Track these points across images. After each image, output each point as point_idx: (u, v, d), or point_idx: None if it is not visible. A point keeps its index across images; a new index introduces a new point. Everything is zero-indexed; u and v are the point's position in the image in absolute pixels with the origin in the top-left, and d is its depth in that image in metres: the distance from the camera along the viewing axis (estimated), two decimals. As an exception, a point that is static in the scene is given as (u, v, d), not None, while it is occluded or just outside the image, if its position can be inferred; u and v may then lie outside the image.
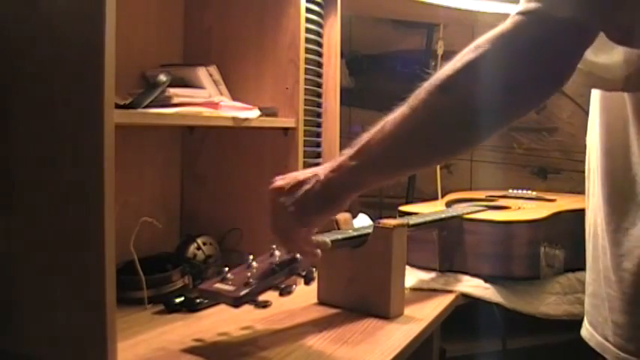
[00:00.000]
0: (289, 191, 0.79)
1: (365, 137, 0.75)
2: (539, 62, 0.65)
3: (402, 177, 0.79)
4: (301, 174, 0.80)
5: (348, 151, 0.76)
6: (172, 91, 0.95)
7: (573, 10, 0.62)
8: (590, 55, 0.71)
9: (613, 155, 0.76)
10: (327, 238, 0.94)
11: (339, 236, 0.97)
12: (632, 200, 0.73)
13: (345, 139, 1.68)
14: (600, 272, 0.78)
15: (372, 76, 1.97)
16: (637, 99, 0.71)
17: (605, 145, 0.78)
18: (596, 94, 0.80)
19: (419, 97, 0.70)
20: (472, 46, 0.67)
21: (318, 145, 1.28)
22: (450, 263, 1.21)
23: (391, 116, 0.72)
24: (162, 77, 0.91)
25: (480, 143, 0.74)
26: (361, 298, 0.99)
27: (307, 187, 0.78)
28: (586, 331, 0.83)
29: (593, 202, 0.81)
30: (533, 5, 0.63)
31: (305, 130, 1.18)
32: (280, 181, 0.81)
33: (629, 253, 0.72)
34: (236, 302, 0.79)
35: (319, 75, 1.27)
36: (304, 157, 1.18)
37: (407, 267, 1.03)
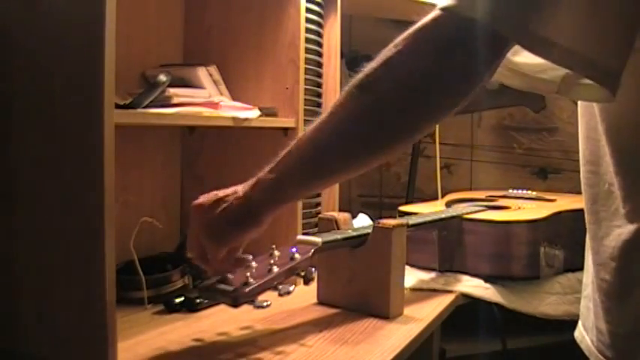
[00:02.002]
0: (209, 209, 0.76)
1: (284, 150, 0.73)
2: (450, 61, 0.63)
3: (323, 189, 0.73)
4: (222, 191, 0.78)
5: (268, 167, 0.74)
6: (172, 91, 0.95)
7: (485, 14, 0.60)
8: (525, 56, 0.70)
9: (590, 163, 0.76)
10: (325, 238, 0.94)
11: (339, 236, 0.97)
12: (606, 210, 0.72)
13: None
14: (590, 277, 0.78)
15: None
16: (604, 107, 0.70)
17: (583, 153, 0.78)
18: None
19: (337, 100, 0.68)
20: (393, 43, 0.65)
21: (318, 145, 1.28)
22: (449, 263, 1.21)
23: (311, 125, 0.70)
24: (162, 77, 0.91)
25: (399, 148, 0.71)
26: (361, 298, 0.99)
27: (225, 205, 0.75)
28: (579, 332, 0.83)
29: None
30: (450, 2, 0.62)
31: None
32: (202, 198, 0.78)
33: (605, 264, 0.71)
34: (236, 302, 0.79)
35: (319, 75, 1.27)
36: (304, 157, 1.17)
37: (407, 267, 1.03)
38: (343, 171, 0.74)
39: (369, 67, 0.66)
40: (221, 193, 0.77)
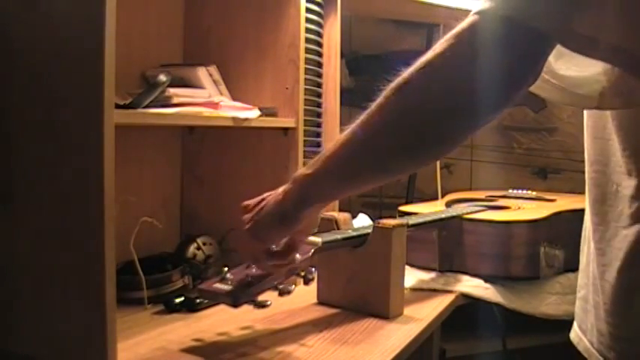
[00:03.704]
0: (252, 209, 0.78)
1: (325, 149, 0.73)
2: (492, 64, 0.61)
3: (359, 190, 0.74)
4: (268, 193, 0.79)
5: (307, 164, 0.75)
6: (172, 91, 0.95)
7: (521, 11, 0.59)
8: (563, 69, 0.69)
9: (597, 163, 0.75)
10: (325, 238, 0.94)
11: (339, 236, 0.97)
12: (614, 210, 0.72)
13: (345, 139, 1.68)
14: (590, 278, 0.78)
15: (372, 76, 1.97)
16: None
17: (589, 152, 0.77)
18: None
19: (376, 102, 0.67)
20: (432, 48, 0.64)
21: (318, 145, 1.28)
22: (449, 263, 1.21)
23: (349, 126, 0.70)
24: (162, 77, 0.91)
25: (438, 154, 0.70)
26: (361, 298, 0.99)
27: (264, 203, 0.77)
28: (575, 334, 0.82)
29: (587, 207, 0.81)
30: (486, 5, 0.61)
31: (305, 130, 1.19)
32: (250, 200, 0.80)
33: (610, 265, 0.71)
34: (235, 302, 0.79)
35: (319, 75, 1.27)
36: (304, 157, 1.18)
37: (407, 267, 1.03)
38: (378, 174, 0.72)
39: (407, 71, 0.65)
40: (266, 194, 0.79)
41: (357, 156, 0.70)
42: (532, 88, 0.70)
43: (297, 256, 0.85)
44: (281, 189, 0.76)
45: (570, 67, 0.66)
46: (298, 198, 0.74)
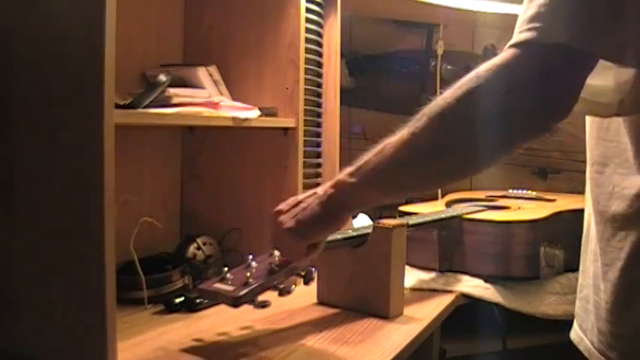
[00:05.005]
0: (288, 212, 0.81)
1: (365, 156, 0.75)
2: (540, 93, 0.63)
3: (403, 198, 0.78)
4: (301, 195, 0.82)
5: (349, 169, 0.77)
6: (172, 91, 0.95)
7: (568, 36, 0.60)
8: (588, 78, 0.71)
9: (597, 163, 0.76)
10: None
11: (339, 236, 0.97)
12: (613, 211, 0.72)
13: (345, 139, 1.68)
14: (591, 278, 0.78)
15: (372, 76, 1.97)
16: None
17: (592, 153, 0.78)
18: None
19: (419, 124, 0.69)
20: (472, 74, 0.66)
21: (318, 145, 1.28)
22: (449, 263, 1.21)
23: (392, 138, 0.72)
24: (162, 77, 0.91)
25: (478, 172, 0.73)
26: (361, 298, 0.99)
27: (304, 204, 0.80)
28: (575, 334, 0.83)
29: (588, 206, 0.81)
30: (528, 35, 0.62)
31: (305, 130, 1.19)
32: (282, 205, 0.83)
33: (612, 264, 0.71)
34: (235, 302, 0.79)
35: (319, 75, 1.27)
36: (304, 157, 1.18)
37: (407, 267, 1.03)
38: (419, 189, 0.81)
39: (450, 97, 0.66)
40: (300, 196, 0.82)
41: (401, 174, 0.74)
42: None
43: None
44: (321, 191, 0.80)
45: (591, 78, 0.67)
46: (343, 203, 0.78)
